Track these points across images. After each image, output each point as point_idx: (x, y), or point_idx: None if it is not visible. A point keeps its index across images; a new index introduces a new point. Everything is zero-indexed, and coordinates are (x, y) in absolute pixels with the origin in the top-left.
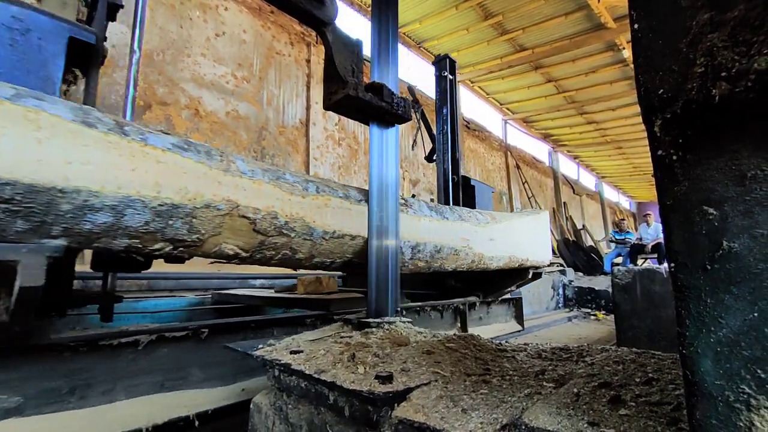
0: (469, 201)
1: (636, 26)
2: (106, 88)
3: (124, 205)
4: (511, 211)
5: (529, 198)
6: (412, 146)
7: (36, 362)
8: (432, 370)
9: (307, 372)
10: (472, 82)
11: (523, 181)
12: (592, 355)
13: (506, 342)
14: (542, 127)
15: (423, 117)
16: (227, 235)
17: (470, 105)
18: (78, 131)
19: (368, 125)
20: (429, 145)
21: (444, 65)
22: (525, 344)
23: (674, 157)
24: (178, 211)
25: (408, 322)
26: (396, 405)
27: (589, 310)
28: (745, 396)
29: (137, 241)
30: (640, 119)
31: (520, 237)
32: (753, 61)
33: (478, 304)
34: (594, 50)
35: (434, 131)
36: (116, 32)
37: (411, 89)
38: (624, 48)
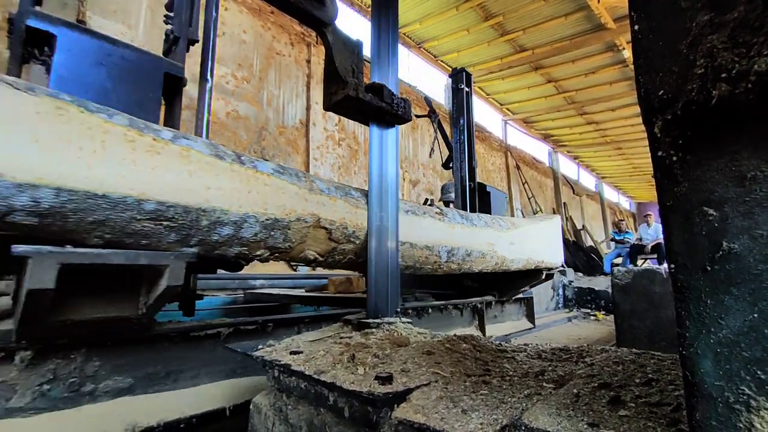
0: (485, 206)
1: (636, 27)
2: None
3: (242, 220)
4: (511, 211)
5: (529, 198)
6: (430, 154)
7: (142, 351)
8: (432, 370)
9: (306, 373)
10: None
11: (523, 181)
12: (591, 355)
13: (516, 339)
14: (542, 128)
15: (440, 126)
16: (310, 243)
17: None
18: (213, 163)
19: (368, 126)
20: (445, 153)
21: (460, 78)
22: (525, 345)
23: (674, 158)
24: (278, 224)
25: (408, 322)
26: (396, 406)
27: (589, 311)
28: (745, 397)
29: (246, 248)
30: (640, 120)
31: (536, 241)
32: (753, 62)
33: (493, 303)
34: (594, 51)
35: (450, 140)
36: (116, 32)
37: (428, 99)
38: (624, 48)
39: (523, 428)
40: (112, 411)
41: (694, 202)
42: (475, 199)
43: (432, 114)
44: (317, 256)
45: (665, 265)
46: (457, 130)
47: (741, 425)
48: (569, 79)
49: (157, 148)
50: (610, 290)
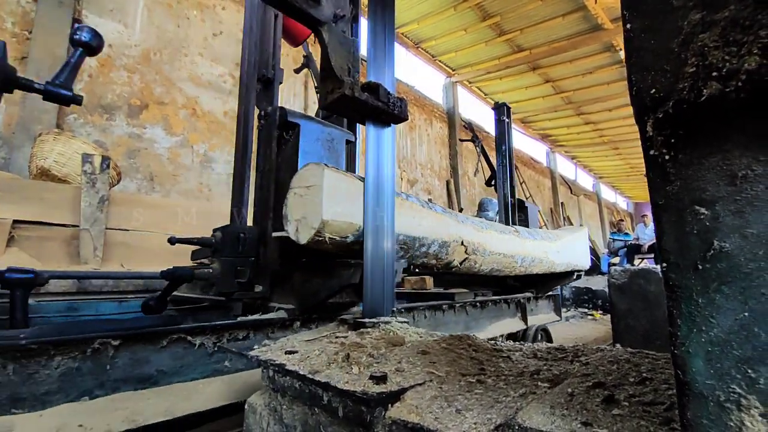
0: (524, 219)
1: (629, 26)
2: (103, 87)
3: (431, 242)
4: None
5: (526, 198)
6: (474, 173)
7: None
8: (427, 370)
9: (301, 372)
10: (470, 83)
11: (521, 181)
12: (587, 354)
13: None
14: (540, 128)
15: (482, 149)
16: (455, 256)
17: (468, 105)
18: (420, 209)
19: (364, 125)
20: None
21: (502, 111)
22: (521, 344)
23: (666, 157)
24: (446, 244)
25: (404, 322)
26: (390, 405)
27: (586, 310)
28: (736, 396)
29: (426, 259)
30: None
31: (572, 248)
32: (743, 61)
33: (531, 298)
34: (591, 51)
35: (491, 161)
36: (113, 31)
37: (470, 125)
38: (621, 49)
39: (517, 427)
40: None
41: (686, 200)
42: (515, 213)
43: (475, 138)
44: (457, 264)
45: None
46: (500, 155)
47: (732, 424)
48: (567, 79)
49: (405, 206)
50: (607, 290)
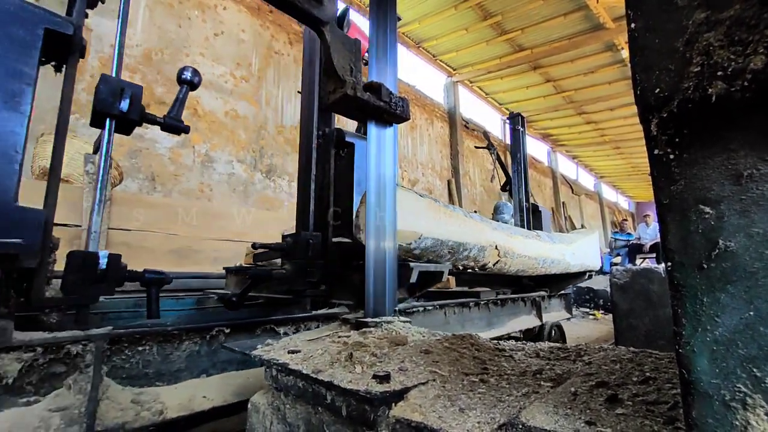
0: (537, 223)
1: (633, 25)
2: None
3: (471, 247)
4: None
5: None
6: (491, 179)
7: None
8: (430, 369)
9: (304, 371)
10: (471, 82)
11: None
12: (589, 354)
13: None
14: (541, 127)
15: (498, 157)
16: (489, 258)
17: (469, 105)
18: (464, 218)
19: (366, 124)
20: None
21: (517, 121)
22: (523, 343)
23: (671, 156)
24: (483, 248)
25: (406, 321)
26: (393, 404)
27: (588, 310)
28: (741, 395)
29: (467, 262)
30: (638, 119)
31: (585, 250)
32: (749, 60)
33: (545, 297)
34: (593, 50)
35: (507, 168)
36: (114, 30)
37: (486, 134)
38: (623, 48)
39: (521, 426)
40: None
41: (691, 200)
42: (530, 217)
43: (490, 146)
44: (491, 266)
45: (663, 264)
46: (515, 162)
47: (737, 423)
48: (568, 78)
49: (453, 216)
50: (608, 289)
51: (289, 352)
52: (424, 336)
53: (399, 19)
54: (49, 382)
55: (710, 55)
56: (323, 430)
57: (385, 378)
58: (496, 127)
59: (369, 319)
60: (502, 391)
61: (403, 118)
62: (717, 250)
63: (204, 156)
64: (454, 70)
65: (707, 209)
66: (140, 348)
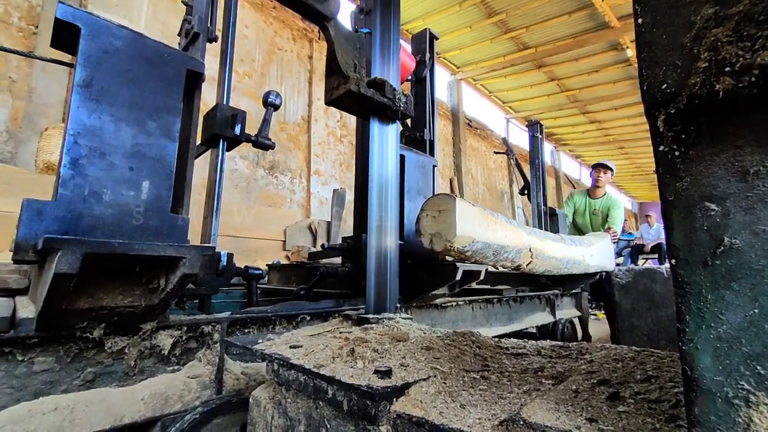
0: (554, 226)
1: (640, 21)
2: None
3: (510, 249)
4: (512, 210)
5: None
6: (510, 184)
7: None
8: (431, 365)
9: (306, 366)
10: (474, 80)
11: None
12: (591, 352)
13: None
14: (544, 126)
15: (517, 162)
16: (523, 260)
17: (472, 103)
18: (504, 224)
19: (368, 121)
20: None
21: (536, 129)
22: (524, 341)
23: (677, 153)
24: (520, 250)
25: (407, 318)
26: (394, 399)
27: (590, 310)
28: (744, 392)
29: (505, 262)
30: (642, 119)
31: (601, 252)
32: (757, 55)
33: (559, 295)
34: (597, 49)
35: (525, 172)
36: None
37: (506, 141)
38: (627, 47)
39: (522, 423)
40: None
41: (696, 197)
42: (547, 219)
43: (509, 152)
44: (525, 267)
45: (666, 264)
46: (534, 167)
47: (740, 420)
48: (572, 77)
49: (497, 222)
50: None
51: (290, 347)
52: (425, 332)
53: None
54: (186, 355)
55: (718, 50)
56: (324, 425)
57: (386, 373)
58: (500, 125)
59: (371, 316)
60: (503, 388)
61: (406, 114)
62: (722, 248)
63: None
64: (458, 68)
65: (713, 206)
66: (246, 330)
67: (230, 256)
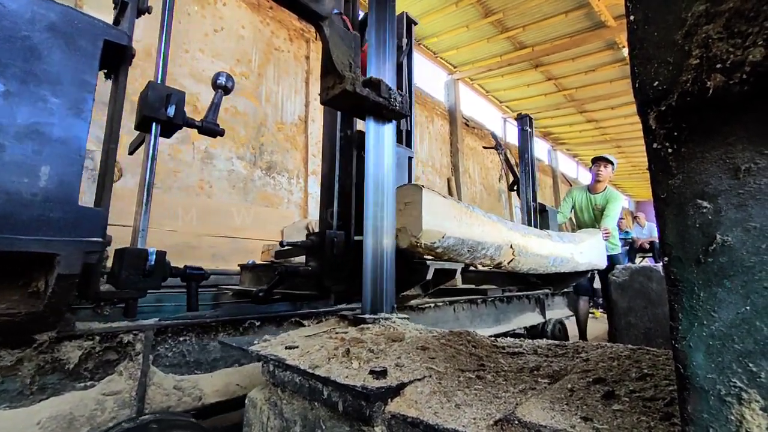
0: (545, 222)
1: (632, 17)
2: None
3: (489, 246)
4: (510, 209)
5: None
6: (499, 179)
7: None
8: (426, 365)
9: (301, 367)
10: (471, 80)
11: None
12: (587, 351)
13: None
14: (542, 126)
15: (506, 157)
16: (505, 257)
17: (469, 103)
18: (482, 218)
19: (364, 120)
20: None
21: (525, 122)
22: (521, 340)
23: (669, 150)
24: (500, 247)
25: (404, 318)
26: (389, 400)
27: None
28: (737, 389)
29: (483, 259)
30: (638, 118)
31: (592, 249)
32: (748, 52)
33: (549, 294)
34: (594, 49)
35: (514, 167)
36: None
37: (494, 135)
38: (624, 47)
39: (517, 422)
40: None
41: (688, 194)
42: (537, 216)
43: (498, 147)
44: (506, 265)
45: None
46: (523, 162)
47: (732, 417)
48: (569, 76)
49: (473, 216)
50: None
51: (286, 348)
52: (421, 332)
53: (415, 23)
54: (103, 368)
55: (709, 47)
56: (319, 426)
57: (381, 374)
58: (497, 125)
59: (366, 316)
60: (498, 388)
61: (402, 114)
62: (714, 245)
63: (204, 152)
64: (455, 67)
65: (705, 203)
66: (181, 338)
67: (161, 254)
